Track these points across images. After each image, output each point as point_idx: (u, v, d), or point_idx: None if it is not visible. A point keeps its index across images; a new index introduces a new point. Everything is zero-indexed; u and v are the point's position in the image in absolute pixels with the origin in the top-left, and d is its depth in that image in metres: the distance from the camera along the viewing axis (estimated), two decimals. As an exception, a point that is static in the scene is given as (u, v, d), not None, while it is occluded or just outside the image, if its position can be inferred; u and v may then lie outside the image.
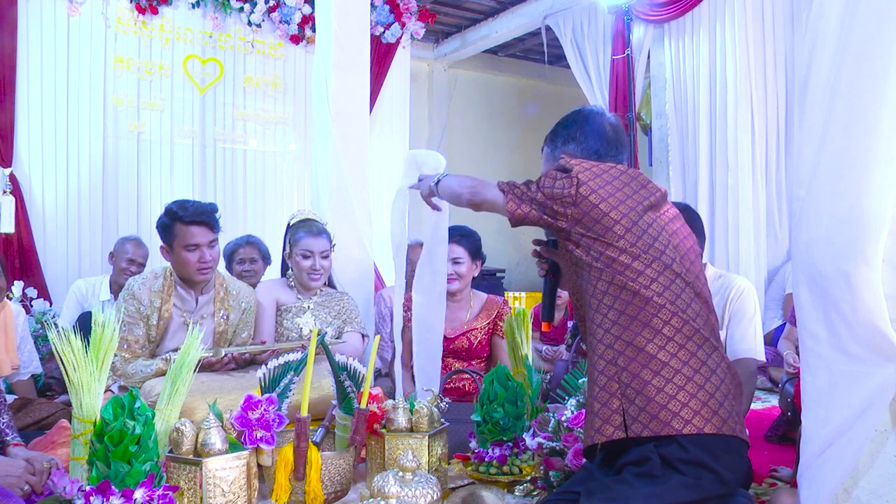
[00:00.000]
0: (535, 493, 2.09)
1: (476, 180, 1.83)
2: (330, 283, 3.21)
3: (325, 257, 3.00)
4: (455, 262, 3.03)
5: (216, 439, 1.66)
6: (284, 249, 3.10)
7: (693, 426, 1.42)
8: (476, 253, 3.11)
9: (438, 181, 1.97)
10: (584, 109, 1.84)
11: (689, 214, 2.45)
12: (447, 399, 2.47)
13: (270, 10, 5.73)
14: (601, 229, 1.56)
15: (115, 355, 2.25)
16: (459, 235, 3.08)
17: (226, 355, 2.55)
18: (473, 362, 3.09)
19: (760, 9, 4.66)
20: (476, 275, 3.14)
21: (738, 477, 1.49)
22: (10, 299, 3.59)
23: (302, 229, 3.03)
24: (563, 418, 2.05)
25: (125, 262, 3.91)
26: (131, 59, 5.33)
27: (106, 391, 1.99)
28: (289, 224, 3.17)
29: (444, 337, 3.05)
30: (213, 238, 2.63)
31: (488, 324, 3.11)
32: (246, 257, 3.89)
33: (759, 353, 2.37)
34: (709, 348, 1.51)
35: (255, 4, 5.65)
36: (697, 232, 2.45)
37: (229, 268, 3.88)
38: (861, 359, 1.44)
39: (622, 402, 1.48)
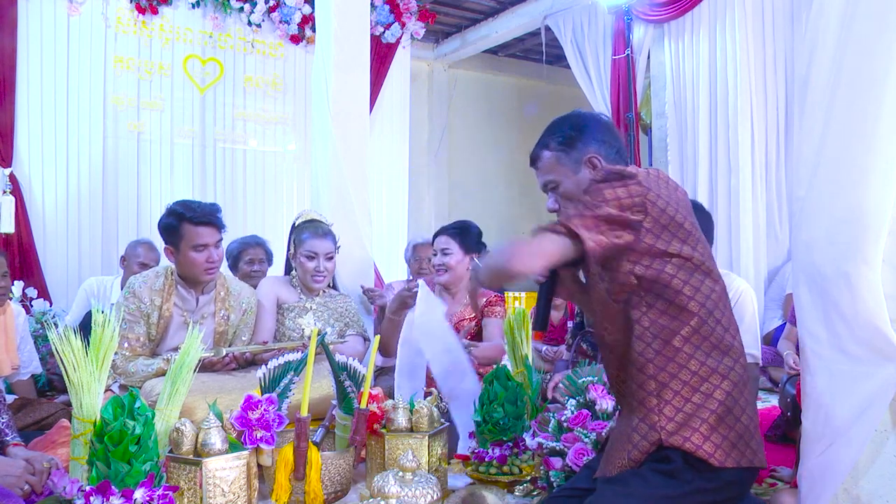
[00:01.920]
0: (535, 493, 2.09)
1: (506, 244, 1.52)
2: (332, 285, 3.22)
3: (330, 259, 2.99)
4: (443, 252, 3.06)
5: (216, 439, 1.66)
6: (289, 249, 3.10)
7: (732, 459, 1.40)
8: (469, 246, 3.09)
9: (476, 271, 1.65)
10: (582, 112, 1.77)
11: (701, 215, 2.44)
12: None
13: (270, 10, 5.73)
14: (669, 236, 1.45)
15: (116, 353, 2.25)
16: (451, 228, 3.12)
17: (227, 355, 2.55)
18: None
19: (760, 9, 4.67)
20: (469, 268, 3.13)
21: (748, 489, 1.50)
22: (11, 299, 3.59)
23: (307, 230, 3.01)
24: (563, 418, 2.05)
25: (137, 266, 3.90)
26: (131, 59, 5.34)
27: (106, 391, 1.99)
28: (294, 224, 3.17)
29: None
30: (219, 238, 2.66)
31: (478, 312, 3.11)
32: (255, 258, 3.92)
33: (759, 356, 2.40)
34: (746, 378, 1.47)
35: (255, 4, 5.65)
36: (708, 232, 2.45)
37: (235, 267, 3.90)
38: (861, 359, 1.44)
39: (661, 434, 1.42)
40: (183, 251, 2.61)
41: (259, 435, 1.73)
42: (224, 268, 3.86)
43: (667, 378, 1.45)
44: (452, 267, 3.07)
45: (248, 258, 3.90)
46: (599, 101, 5.74)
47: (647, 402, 1.46)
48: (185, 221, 2.60)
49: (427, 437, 2.02)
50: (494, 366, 2.95)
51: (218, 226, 2.65)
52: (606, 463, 1.50)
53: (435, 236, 3.18)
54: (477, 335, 3.14)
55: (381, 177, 6.25)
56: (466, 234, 3.10)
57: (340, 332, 3.01)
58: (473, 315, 3.12)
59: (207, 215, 2.62)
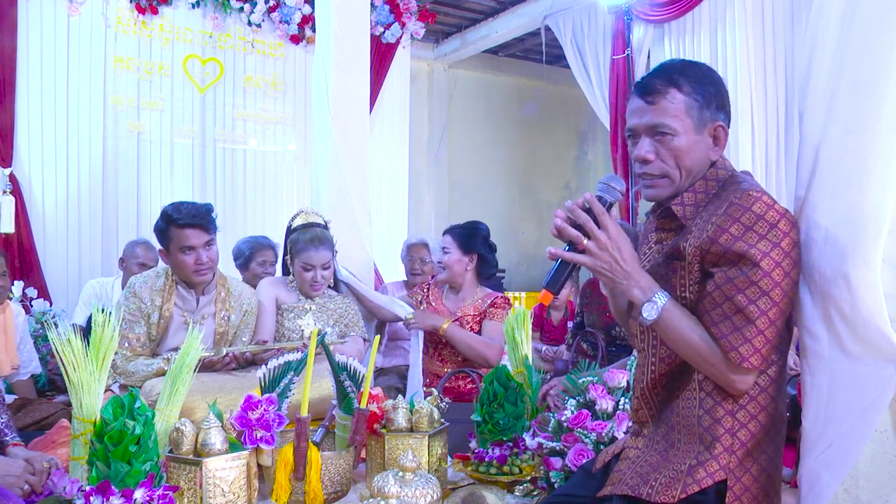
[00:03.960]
0: (535, 493, 2.09)
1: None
2: (334, 285, 3.21)
3: (327, 268, 2.97)
4: (443, 251, 3.16)
5: (216, 439, 1.65)
6: (286, 254, 3.09)
7: None
8: (468, 246, 3.14)
9: (658, 315, 1.35)
10: (709, 66, 1.54)
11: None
12: (447, 399, 2.47)
13: (270, 10, 5.73)
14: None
15: (116, 353, 2.25)
16: (457, 228, 3.21)
17: (227, 354, 2.55)
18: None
19: (760, 9, 4.67)
20: (470, 268, 3.17)
21: None
22: (10, 299, 3.59)
23: (304, 238, 2.98)
24: (563, 418, 2.05)
25: (136, 267, 3.91)
26: (131, 59, 5.34)
27: (106, 391, 1.99)
28: (290, 226, 3.15)
29: None
30: (208, 239, 2.63)
31: (480, 312, 3.15)
32: (268, 260, 3.96)
33: None
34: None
35: (255, 4, 5.65)
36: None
37: (246, 265, 3.92)
38: (861, 359, 1.44)
39: (727, 478, 1.37)
40: (173, 253, 2.61)
41: (259, 435, 1.73)
42: (230, 267, 3.88)
43: (746, 418, 1.38)
44: (450, 265, 3.15)
45: (262, 259, 3.94)
46: (599, 102, 5.73)
47: (721, 440, 1.37)
48: (172, 224, 2.59)
49: (427, 437, 2.02)
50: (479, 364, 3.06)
51: (206, 227, 2.61)
52: (641, 482, 1.40)
53: (443, 235, 3.25)
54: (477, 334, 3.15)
55: (381, 177, 6.25)
56: (469, 237, 3.16)
57: (341, 334, 3.00)
58: (476, 313, 3.14)
59: (194, 217, 2.59)
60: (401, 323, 3.28)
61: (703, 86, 1.42)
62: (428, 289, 3.31)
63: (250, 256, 3.95)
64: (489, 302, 3.15)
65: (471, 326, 3.13)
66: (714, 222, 1.33)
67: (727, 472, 1.36)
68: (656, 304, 1.33)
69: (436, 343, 3.16)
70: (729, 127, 1.45)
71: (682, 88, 1.40)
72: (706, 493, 1.36)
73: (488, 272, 3.22)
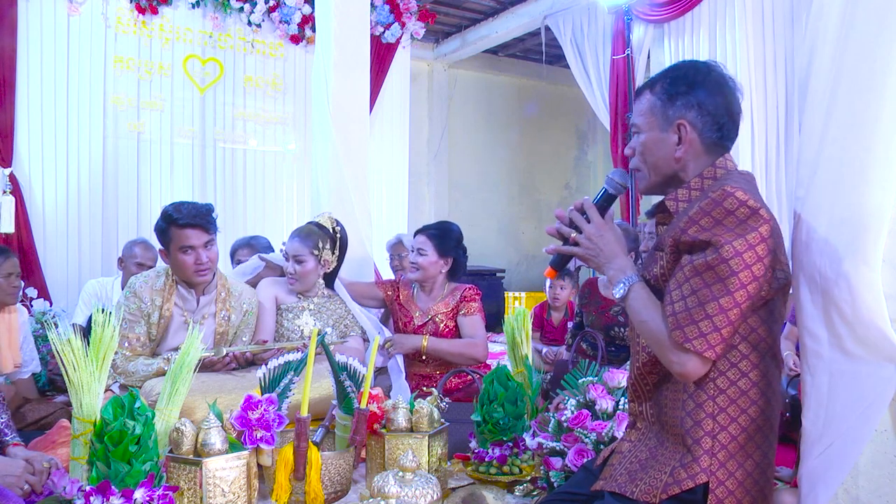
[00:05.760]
0: (535, 493, 2.09)
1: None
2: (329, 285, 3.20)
3: (299, 262, 2.94)
4: (419, 252, 3.12)
5: (216, 439, 1.65)
6: None
7: None
8: (445, 249, 3.12)
9: (626, 293, 1.47)
10: (713, 67, 1.50)
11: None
12: (447, 399, 2.47)
13: (270, 10, 5.74)
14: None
15: (116, 353, 2.25)
16: (431, 229, 3.18)
17: (227, 354, 2.55)
18: None
19: (760, 9, 4.67)
20: (444, 270, 3.15)
21: None
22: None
23: (296, 230, 3.05)
24: (563, 418, 2.05)
25: (134, 267, 3.91)
26: (131, 59, 5.35)
27: (106, 391, 1.99)
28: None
29: (415, 325, 3.16)
30: (208, 239, 2.62)
31: (452, 308, 3.14)
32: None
33: None
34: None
35: (255, 4, 5.66)
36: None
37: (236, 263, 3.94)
38: (861, 359, 1.44)
39: (709, 481, 1.38)
40: (172, 253, 2.60)
41: (259, 435, 1.73)
42: (230, 267, 3.88)
43: (726, 421, 1.39)
44: (425, 267, 3.11)
45: (237, 259, 3.94)
46: (599, 101, 5.74)
47: (702, 443, 1.39)
48: (172, 224, 2.58)
49: (427, 437, 2.02)
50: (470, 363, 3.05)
51: (206, 227, 2.60)
52: (629, 480, 1.44)
53: (415, 234, 3.21)
54: (448, 333, 3.14)
55: (381, 177, 6.26)
56: (445, 238, 3.13)
57: (342, 334, 3.01)
58: (448, 309, 3.13)
59: (194, 217, 2.58)
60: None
61: (673, 85, 1.47)
62: (397, 288, 3.28)
63: (232, 255, 4.00)
64: (459, 295, 3.14)
65: (445, 324, 3.13)
66: (689, 215, 1.38)
67: (709, 474, 1.37)
68: (625, 284, 1.46)
69: None
70: (707, 119, 1.47)
71: (653, 89, 1.50)
72: (694, 491, 1.37)
73: (459, 275, 3.22)
